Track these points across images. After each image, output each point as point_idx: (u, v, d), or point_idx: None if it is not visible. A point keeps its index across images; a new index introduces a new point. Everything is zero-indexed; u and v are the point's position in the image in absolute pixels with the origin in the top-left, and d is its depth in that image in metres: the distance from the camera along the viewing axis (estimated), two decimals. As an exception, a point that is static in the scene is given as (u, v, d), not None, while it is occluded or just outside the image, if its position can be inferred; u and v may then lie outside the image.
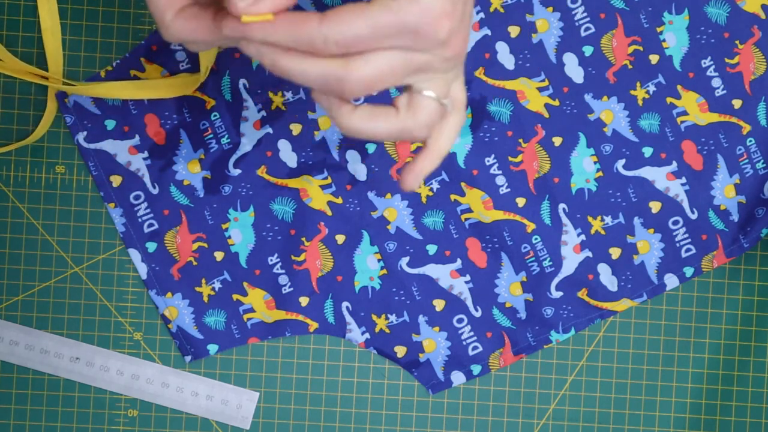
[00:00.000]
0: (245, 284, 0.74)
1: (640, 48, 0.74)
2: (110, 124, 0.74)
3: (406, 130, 0.53)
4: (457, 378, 0.76)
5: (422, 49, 0.50)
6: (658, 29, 0.74)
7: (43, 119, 0.73)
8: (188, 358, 0.75)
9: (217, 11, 0.51)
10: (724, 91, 0.74)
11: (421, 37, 0.50)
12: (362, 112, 0.53)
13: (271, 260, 0.74)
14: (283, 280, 0.74)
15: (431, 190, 0.74)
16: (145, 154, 0.74)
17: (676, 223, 0.75)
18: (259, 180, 0.74)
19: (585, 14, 0.74)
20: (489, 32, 0.74)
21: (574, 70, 0.74)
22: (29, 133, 0.74)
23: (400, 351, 0.75)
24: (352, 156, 0.74)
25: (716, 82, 0.74)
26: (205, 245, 0.74)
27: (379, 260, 0.75)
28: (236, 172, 0.74)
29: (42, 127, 0.73)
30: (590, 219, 0.75)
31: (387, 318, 0.75)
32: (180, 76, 0.73)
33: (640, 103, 0.74)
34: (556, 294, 0.75)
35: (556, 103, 0.74)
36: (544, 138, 0.74)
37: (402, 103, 0.53)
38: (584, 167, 0.74)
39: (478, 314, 0.75)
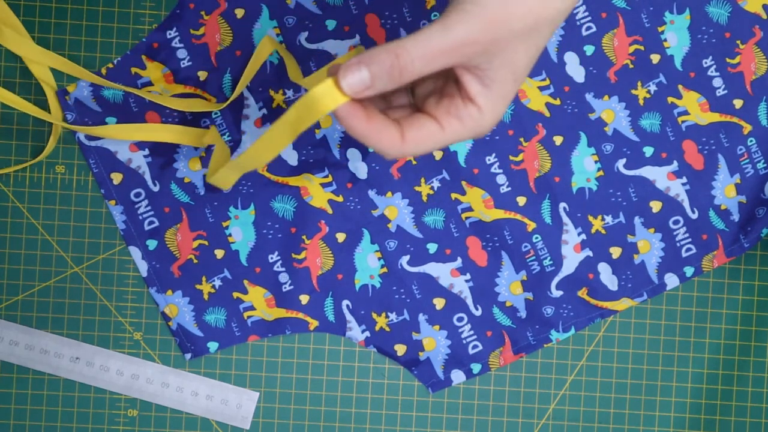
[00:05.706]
0: (245, 282, 0.74)
1: (642, 47, 0.74)
2: (111, 121, 0.74)
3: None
4: (457, 377, 0.76)
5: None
6: (660, 29, 0.74)
7: (48, 140, 0.73)
8: (188, 356, 0.75)
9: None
10: (725, 91, 0.74)
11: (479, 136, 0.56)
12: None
13: (272, 258, 0.74)
14: (284, 278, 0.74)
15: (432, 188, 0.74)
16: (146, 152, 0.74)
17: (676, 222, 0.75)
18: (260, 178, 0.74)
19: (586, 13, 0.74)
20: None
21: (575, 70, 0.74)
22: (29, 133, 0.74)
23: (400, 349, 0.75)
24: (353, 154, 0.74)
25: (717, 82, 0.74)
26: (206, 243, 0.74)
27: (379, 258, 0.75)
28: (237, 170, 0.74)
29: (48, 148, 0.73)
30: (591, 218, 0.75)
31: (387, 316, 0.75)
32: (194, 130, 0.73)
33: (641, 102, 0.74)
34: (556, 293, 0.75)
35: (557, 102, 0.74)
36: (545, 137, 0.74)
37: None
38: (585, 166, 0.74)
39: (478, 313, 0.75)
